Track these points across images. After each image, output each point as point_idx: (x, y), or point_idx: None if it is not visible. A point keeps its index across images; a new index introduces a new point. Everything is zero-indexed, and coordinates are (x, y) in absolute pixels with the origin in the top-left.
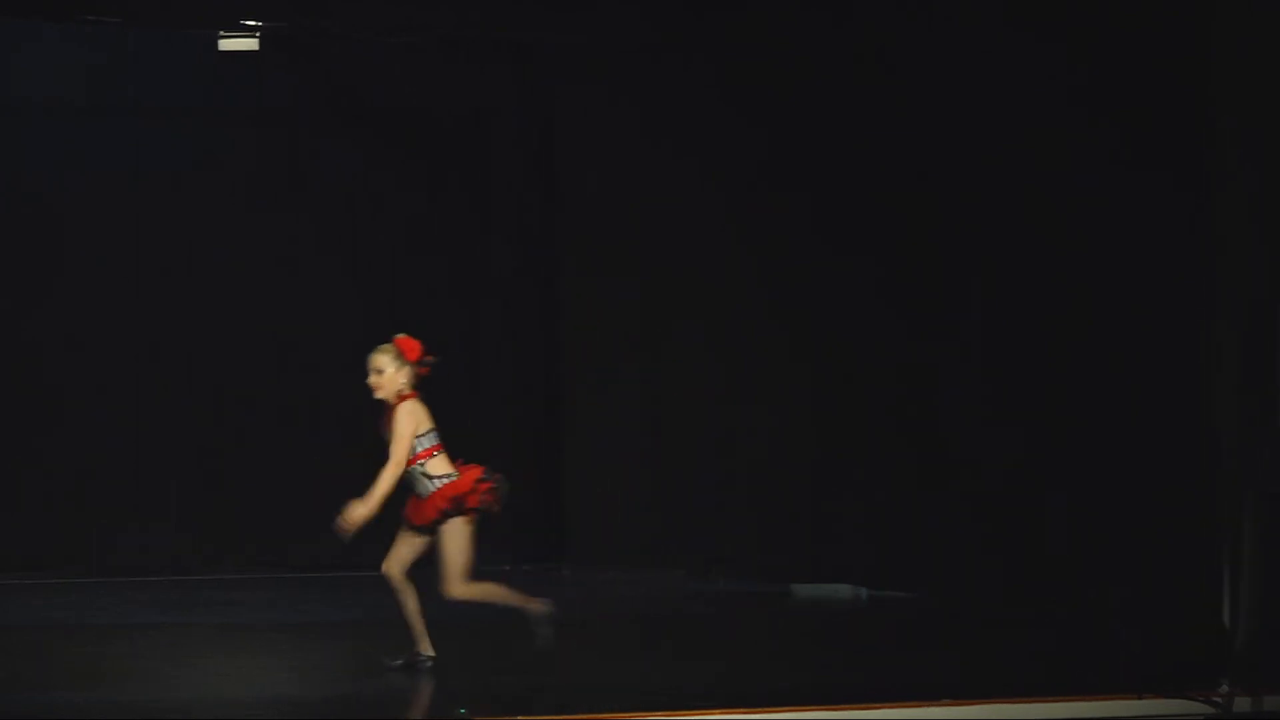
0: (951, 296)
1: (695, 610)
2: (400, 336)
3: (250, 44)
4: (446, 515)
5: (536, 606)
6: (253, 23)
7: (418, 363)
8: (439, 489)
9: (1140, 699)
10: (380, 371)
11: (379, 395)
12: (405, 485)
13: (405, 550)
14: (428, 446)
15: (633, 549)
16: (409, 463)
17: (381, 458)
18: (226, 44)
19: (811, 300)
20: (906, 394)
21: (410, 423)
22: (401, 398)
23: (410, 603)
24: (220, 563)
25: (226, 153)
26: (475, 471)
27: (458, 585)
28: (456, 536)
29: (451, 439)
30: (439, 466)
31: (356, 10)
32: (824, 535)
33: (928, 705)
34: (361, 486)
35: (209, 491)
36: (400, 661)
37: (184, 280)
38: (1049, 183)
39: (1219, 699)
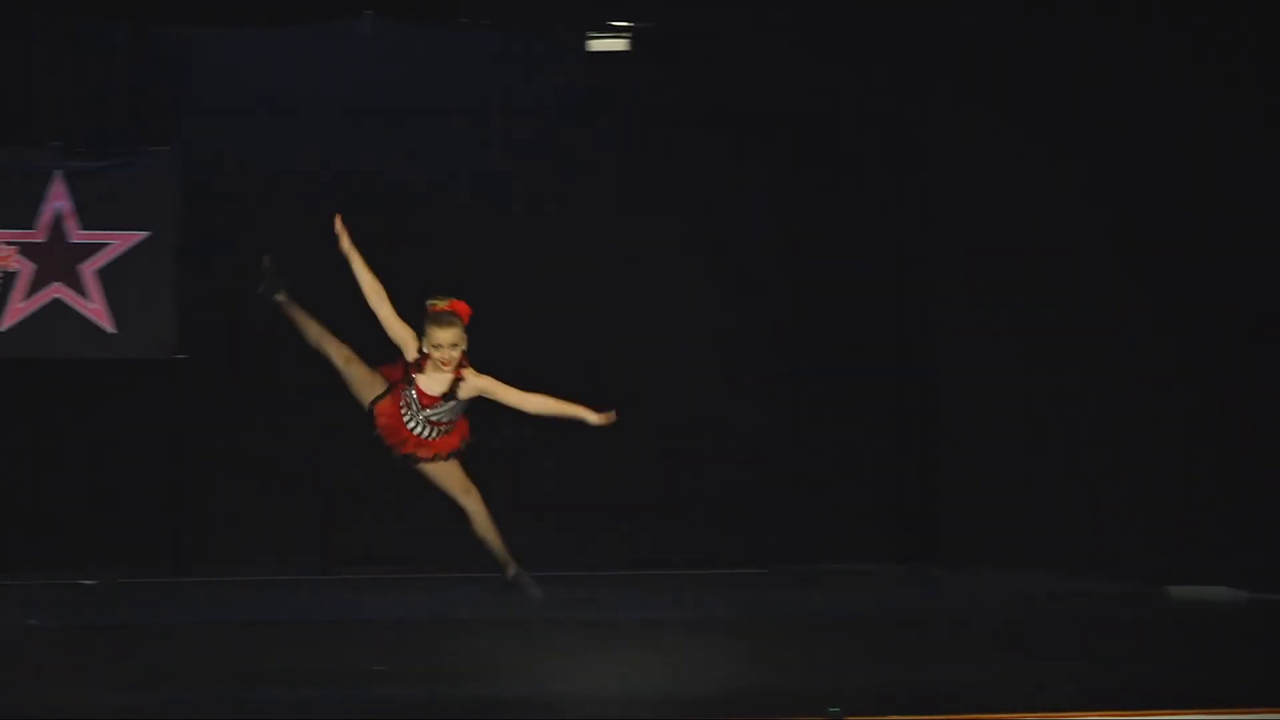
0: None
1: (1067, 610)
2: (455, 301)
3: (620, 44)
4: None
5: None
6: (622, 23)
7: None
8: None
9: None
10: (455, 346)
11: (450, 369)
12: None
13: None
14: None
15: (1006, 548)
16: (438, 423)
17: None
18: (596, 44)
19: (1183, 297)
20: None
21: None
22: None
23: None
24: (587, 559)
25: (594, 153)
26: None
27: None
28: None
29: (819, 436)
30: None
31: (726, 9)
32: (1202, 535)
33: None
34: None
35: (578, 488)
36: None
37: (554, 279)
38: None
39: None
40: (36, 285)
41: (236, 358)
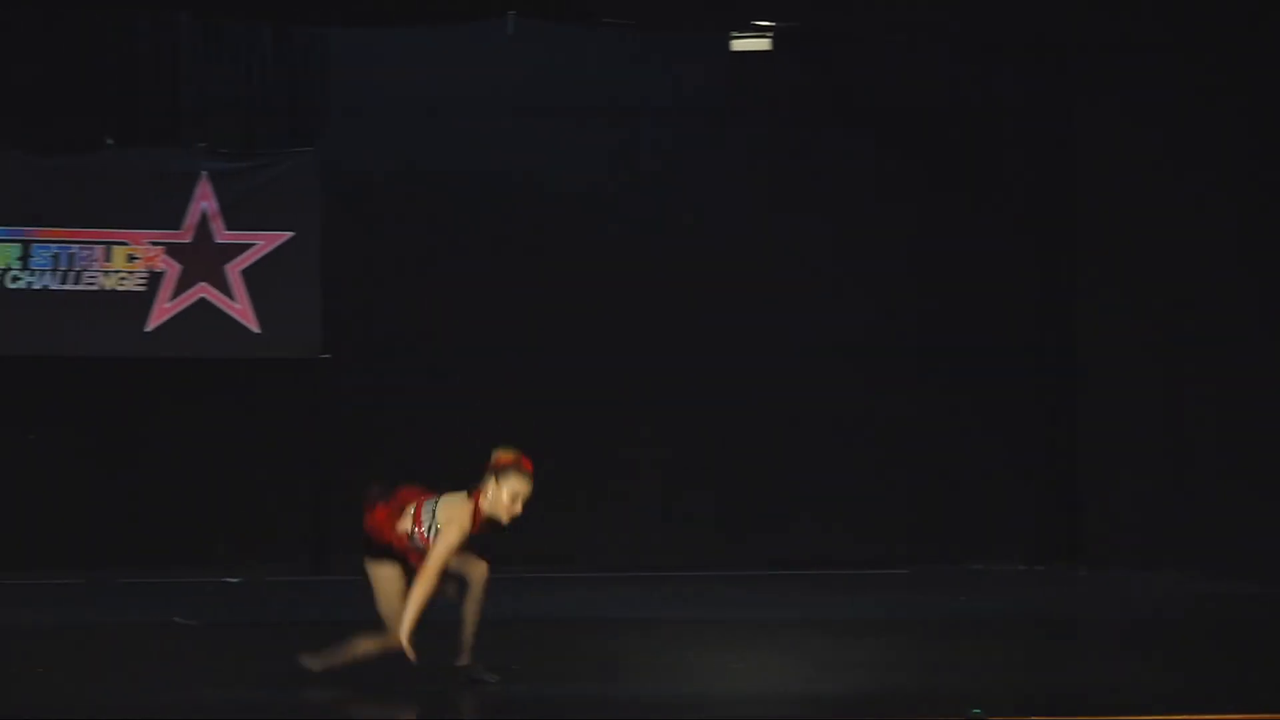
0: None
1: (1210, 612)
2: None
3: (762, 44)
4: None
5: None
6: (764, 22)
7: None
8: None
9: None
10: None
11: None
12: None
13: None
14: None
15: (1148, 549)
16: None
17: None
18: (739, 44)
19: None
20: None
21: None
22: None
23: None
24: (732, 560)
25: (734, 153)
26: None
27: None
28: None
29: (962, 438)
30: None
31: (868, 9)
32: None
33: None
34: (862, 489)
35: (723, 491)
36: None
37: (695, 277)
38: None
39: None
40: (182, 286)
41: (378, 357)
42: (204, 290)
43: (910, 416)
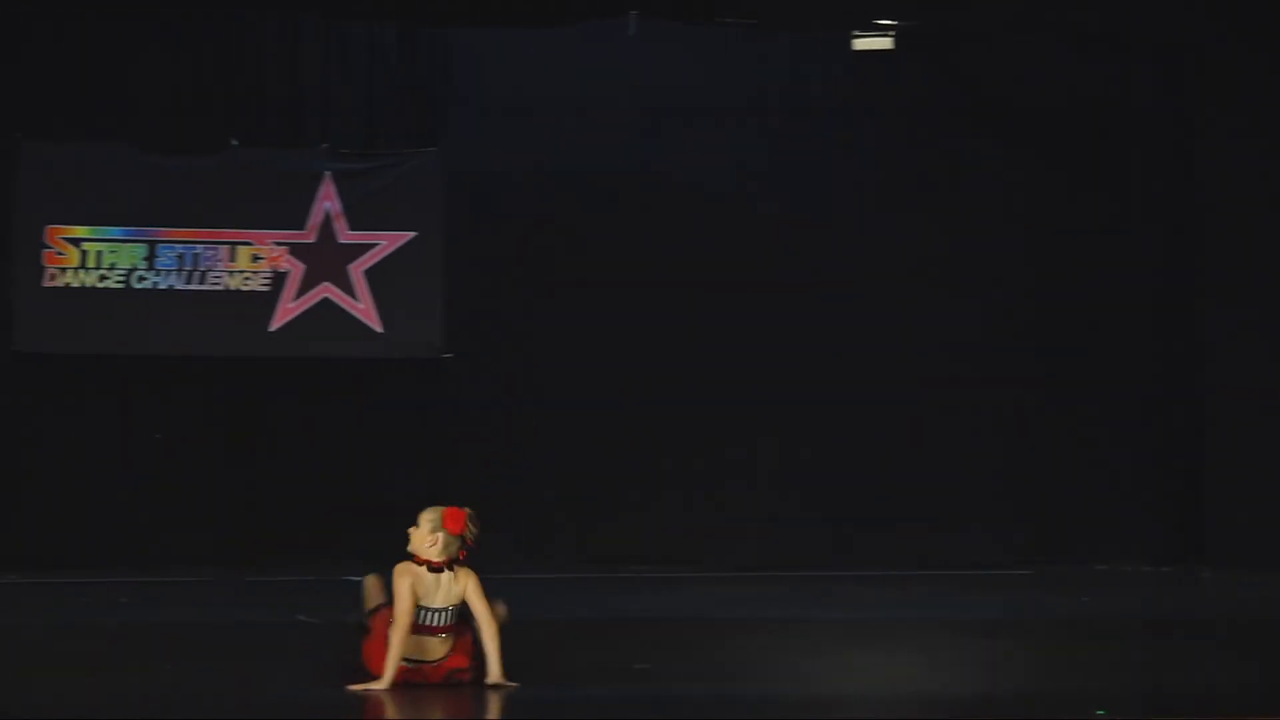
0: None
1: None
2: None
3: (885, 43)
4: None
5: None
6: (887, 21)
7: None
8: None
9: None
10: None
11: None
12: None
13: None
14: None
15: (1274, 551)
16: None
17: None
18: (861, 43)
19: None
20: None
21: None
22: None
23: None
24: (850, 559)
25: (856, 151)
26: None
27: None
28: None
29: (1086, 438)
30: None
31: (989, 8)
32: None
33: None
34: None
35: (840, 490)
36: None
37: (815, 275)
38: None
39: None
40: (306, 286)
41: (499, 357)
42: (327, 290)
43: (1033, 415)
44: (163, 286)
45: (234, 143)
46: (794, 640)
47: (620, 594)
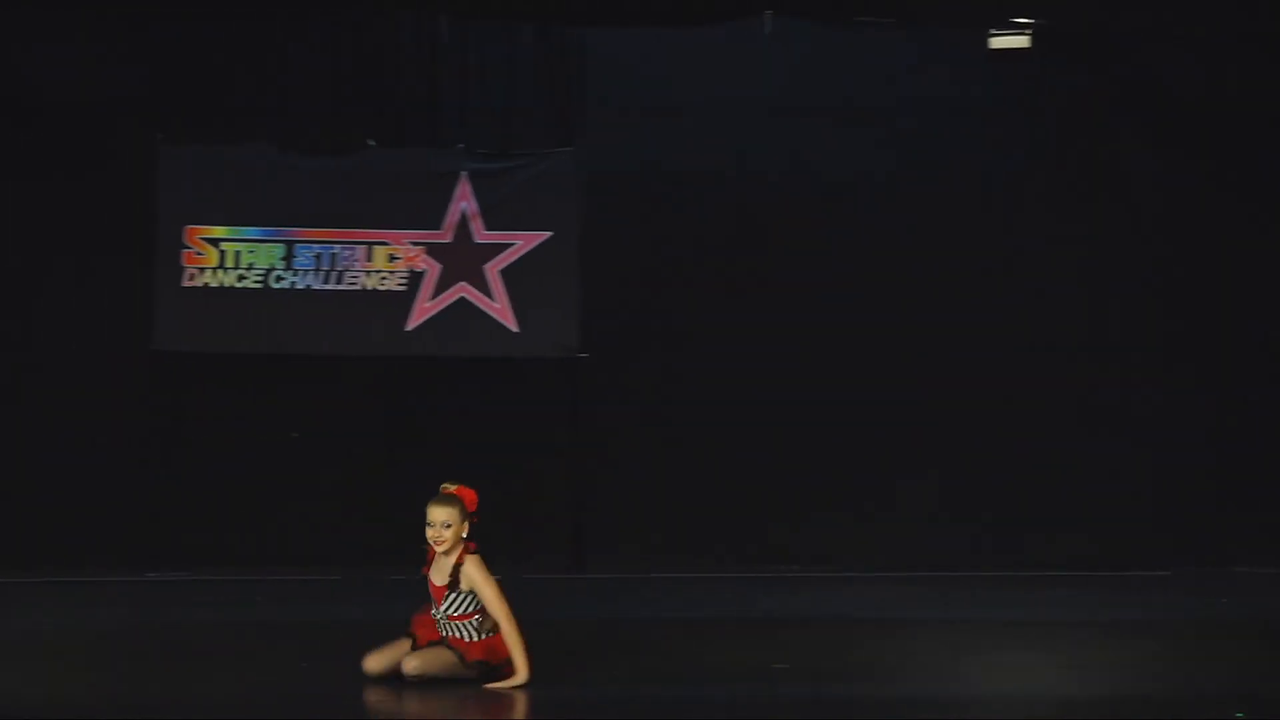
0: None
1: None
2: (461, 488)
3: (1022, 41)
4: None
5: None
6: (1023, 19)
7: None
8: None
9: None
10: (447, 525)
11: (441, 549)
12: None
13: (394, 655)
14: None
15: None
16: (460, 617)
17: None
18: (998, 41)
19: None
20: None
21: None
22: (468, 548)
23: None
24: (986, 560)
25: (994, 151)
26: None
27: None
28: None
29: (1231, 440)
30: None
31: (1127, 6)
32: None
33: None
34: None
35: (980, 492)
36: None
37: (954, 274)
38: None
39: None
40: (442, 285)
41: (636, 357)
42: (463, 290)
43: (1171, 416)
44: (300, 286)
45: (371, 143)
46: (933, 641)
47: (771, 595)
